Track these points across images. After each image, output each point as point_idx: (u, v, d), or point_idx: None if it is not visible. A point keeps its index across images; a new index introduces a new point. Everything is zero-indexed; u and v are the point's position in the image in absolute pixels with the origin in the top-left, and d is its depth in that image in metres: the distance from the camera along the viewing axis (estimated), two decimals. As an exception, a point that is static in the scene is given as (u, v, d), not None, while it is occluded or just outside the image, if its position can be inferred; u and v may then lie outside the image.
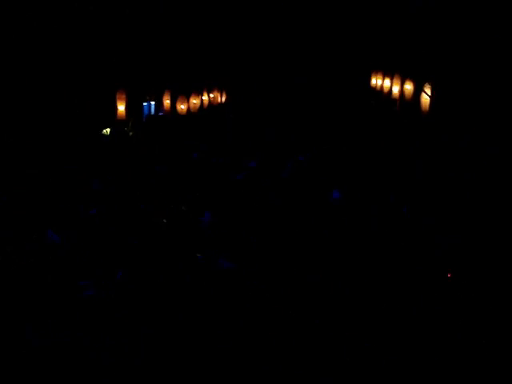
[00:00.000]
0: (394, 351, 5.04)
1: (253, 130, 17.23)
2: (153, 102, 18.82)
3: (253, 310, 5.51)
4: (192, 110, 18.80)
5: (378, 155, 13.06)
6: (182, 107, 18.21)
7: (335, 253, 7.00)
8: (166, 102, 18.36)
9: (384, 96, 18.26)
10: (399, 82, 16.83)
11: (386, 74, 18.36)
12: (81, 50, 15.45)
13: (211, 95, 20.39)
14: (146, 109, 18.60)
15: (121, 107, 16.63)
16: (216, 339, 5.11)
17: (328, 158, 13.26)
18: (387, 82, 18.20)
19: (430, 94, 13.34)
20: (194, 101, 18.85)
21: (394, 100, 17.36)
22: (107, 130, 15.93)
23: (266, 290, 5.93)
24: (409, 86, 15.51)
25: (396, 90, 17.26)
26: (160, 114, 19.51)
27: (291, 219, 8.32)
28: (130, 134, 16.83)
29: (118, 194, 9.70)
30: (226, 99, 21.64)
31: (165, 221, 7.83)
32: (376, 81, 19.47)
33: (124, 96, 16.57)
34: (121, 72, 16.45)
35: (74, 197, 9.22)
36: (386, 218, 8.20)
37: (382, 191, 9.64)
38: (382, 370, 4.83)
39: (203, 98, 19.61)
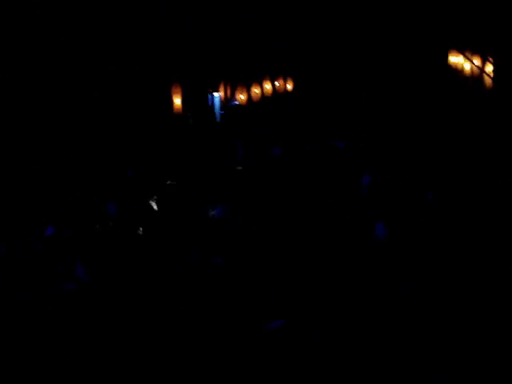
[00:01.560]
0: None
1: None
2: (217, 94, 18.57)
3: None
4: (253, 100, 18.49)
5: None
6: (241, 97, 17.96)
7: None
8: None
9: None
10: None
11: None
12: (135, 44, 15.67)
13: (276, 83, 19.87)
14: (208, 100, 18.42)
15: (177, 100, 16.68)
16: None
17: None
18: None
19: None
20: (256, 90, 18.51)
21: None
22: None
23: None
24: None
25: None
26: (234, 103, 19.33)
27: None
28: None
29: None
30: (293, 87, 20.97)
31: None
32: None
33: (179, 89, 16.59)
34: (176, 65, 16.45)
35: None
36: None
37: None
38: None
39: (266, 86, 19.15)
